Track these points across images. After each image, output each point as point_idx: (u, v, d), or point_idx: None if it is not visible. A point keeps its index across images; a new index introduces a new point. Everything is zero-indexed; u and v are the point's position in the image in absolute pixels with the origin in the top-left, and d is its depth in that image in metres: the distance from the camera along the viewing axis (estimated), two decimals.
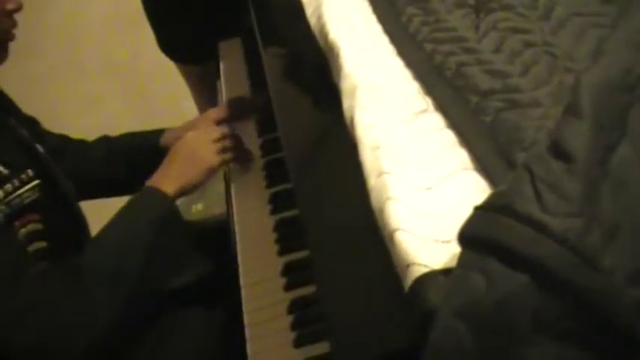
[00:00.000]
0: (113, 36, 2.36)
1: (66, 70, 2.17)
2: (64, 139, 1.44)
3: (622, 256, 0.41)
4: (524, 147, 0.57)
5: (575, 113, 0.47)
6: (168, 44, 1.95)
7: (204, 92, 1.97)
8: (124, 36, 2.38)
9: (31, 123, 1.33)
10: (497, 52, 0.73)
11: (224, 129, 1.31)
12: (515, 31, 0.75)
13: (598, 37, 0.70)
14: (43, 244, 1.06)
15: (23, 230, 1.03)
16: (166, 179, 1.16)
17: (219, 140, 1.25)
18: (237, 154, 1.30)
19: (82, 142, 1.47)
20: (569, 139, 0.45)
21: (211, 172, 1.22)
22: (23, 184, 1.04)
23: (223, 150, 1.25)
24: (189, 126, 1.42)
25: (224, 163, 1.26)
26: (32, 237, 1.04)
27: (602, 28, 0.71)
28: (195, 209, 2.71)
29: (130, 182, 1.44)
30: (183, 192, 1.17)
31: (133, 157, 1.43)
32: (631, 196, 0.43)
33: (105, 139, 1.48)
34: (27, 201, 1.04)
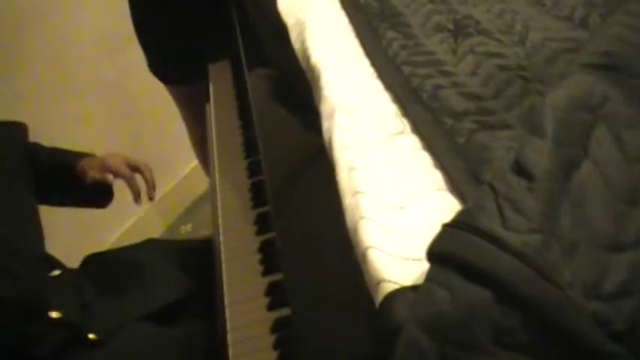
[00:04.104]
0: (103, 55, 2.37)
1: (54, 89, 2.17)
2: None
3: (580, 271, 0.43)
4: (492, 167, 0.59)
5: (537, 133, 0.48)
6: (158, 66, 1.97)
7: (193, 113, 1.99)
8: (114, 55, 2.39)
9: None
10: (473, 75, 0.75)
11: None
12: (491, 55, 0.77)
13: (569, 61, 0.71)
14: None
15: None
16: None
17: None
18: None
19: None
20: (531, 158, 0.47)
21: None
22: None
23: None
24: (106, 155, 1.47)
25: None
26: None
27: (573, 53, 0.73)
28: (184, 230, 2.73)
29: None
30: None
31: (49, 173, 1.42)
32: (590, 213, 0.45)
33: (34, 146, 1.45)
34: None
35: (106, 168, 1.41)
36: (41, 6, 2.07)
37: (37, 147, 1.44)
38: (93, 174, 1.40)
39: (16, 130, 1.32)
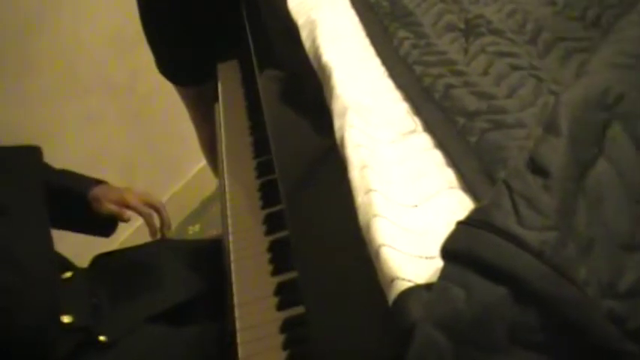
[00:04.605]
0: (111, 56, 2.37)
1: (64, 90, 2.17)
2: None
3: (596, 268, 0.42)
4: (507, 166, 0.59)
5: (552, 131, 0.48)
6: (167, 66, 1.98)
7: (202, 113, 2.00)
8: (123, 56, 2.39)
9: None
10: (485, 74, 0.75)
11: None
12: (503, 54, 0.77)
13: (582, 61, 0.71)
14: None
15: None
16: None
17: None
18: None
19: None
20: (546, 156, 0.47)
21: None
22: None
23: None
24: (124, 190, 1.47)
25: None
26: None
27: (586, 53, 0.72)
28: (192, 230, 2.74)
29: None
30: None
31: (57, 196, 1.38)
32: (606, 211, 0.45)
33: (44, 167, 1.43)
34: None
35: (123, 203, 1.42)
36: (49, 7, 2.07)
37: (47, 168, 1.43)
38: (109, 206, 1.40)
39: (33, 153, 1.31)
